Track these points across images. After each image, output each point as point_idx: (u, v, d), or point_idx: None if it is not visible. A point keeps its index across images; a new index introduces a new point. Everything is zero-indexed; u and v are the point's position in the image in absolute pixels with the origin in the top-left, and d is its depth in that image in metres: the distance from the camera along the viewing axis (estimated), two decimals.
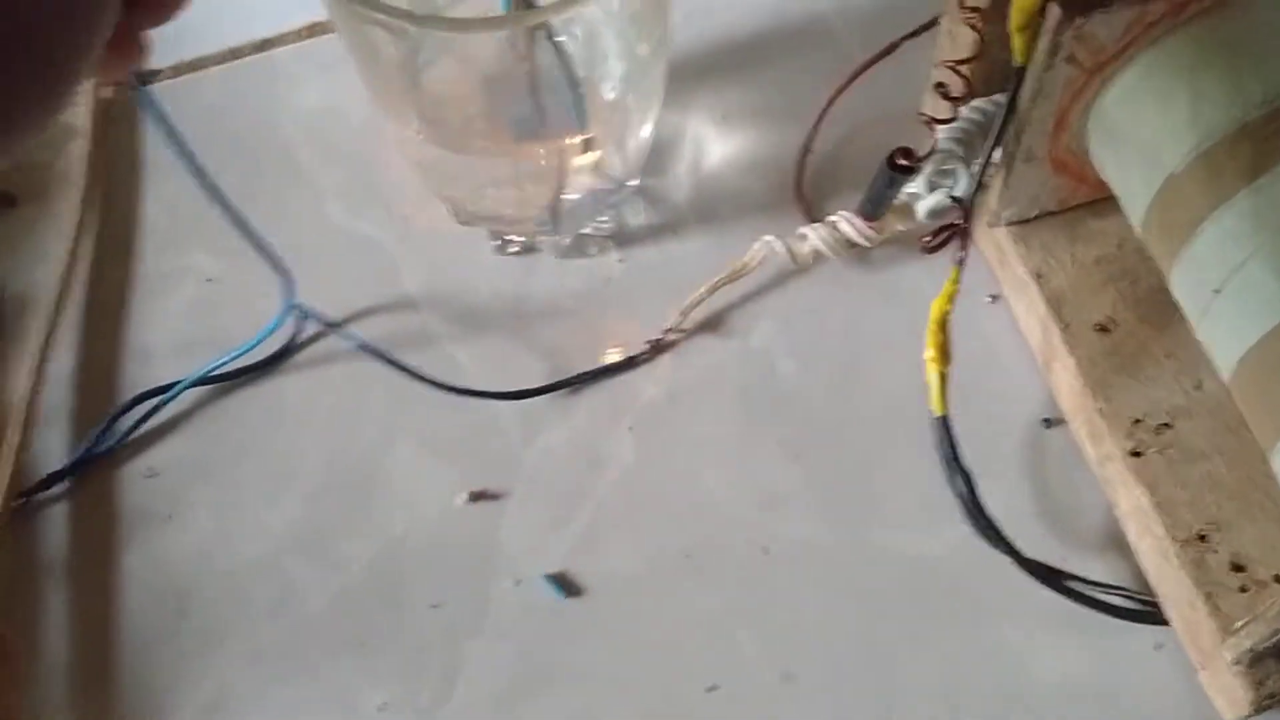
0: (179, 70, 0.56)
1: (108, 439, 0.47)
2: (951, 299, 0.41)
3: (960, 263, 0.41)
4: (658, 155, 0.52)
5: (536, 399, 0.47)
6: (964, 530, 0.41)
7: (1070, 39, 0.38)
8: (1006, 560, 0.41)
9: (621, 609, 0.43)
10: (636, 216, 0.51)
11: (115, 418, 0.47)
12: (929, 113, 0.40)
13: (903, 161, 0.41)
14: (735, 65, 0.54)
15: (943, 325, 0.41)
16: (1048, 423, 0.46)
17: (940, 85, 0.41)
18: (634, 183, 0.50)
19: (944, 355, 0.40)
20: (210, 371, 0.47)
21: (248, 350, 0.47)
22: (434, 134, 0.42)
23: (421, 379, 0.47)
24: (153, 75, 0.56)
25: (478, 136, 0.44)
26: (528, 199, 0.45)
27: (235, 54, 0.56)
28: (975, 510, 0.41)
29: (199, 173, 0.43)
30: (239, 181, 0.44)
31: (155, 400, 0.47)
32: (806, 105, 0.51)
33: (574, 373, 0.47)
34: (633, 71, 0.44)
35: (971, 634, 0.42)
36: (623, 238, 0.51)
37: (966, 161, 0.42)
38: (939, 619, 0.43)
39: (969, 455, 0.41)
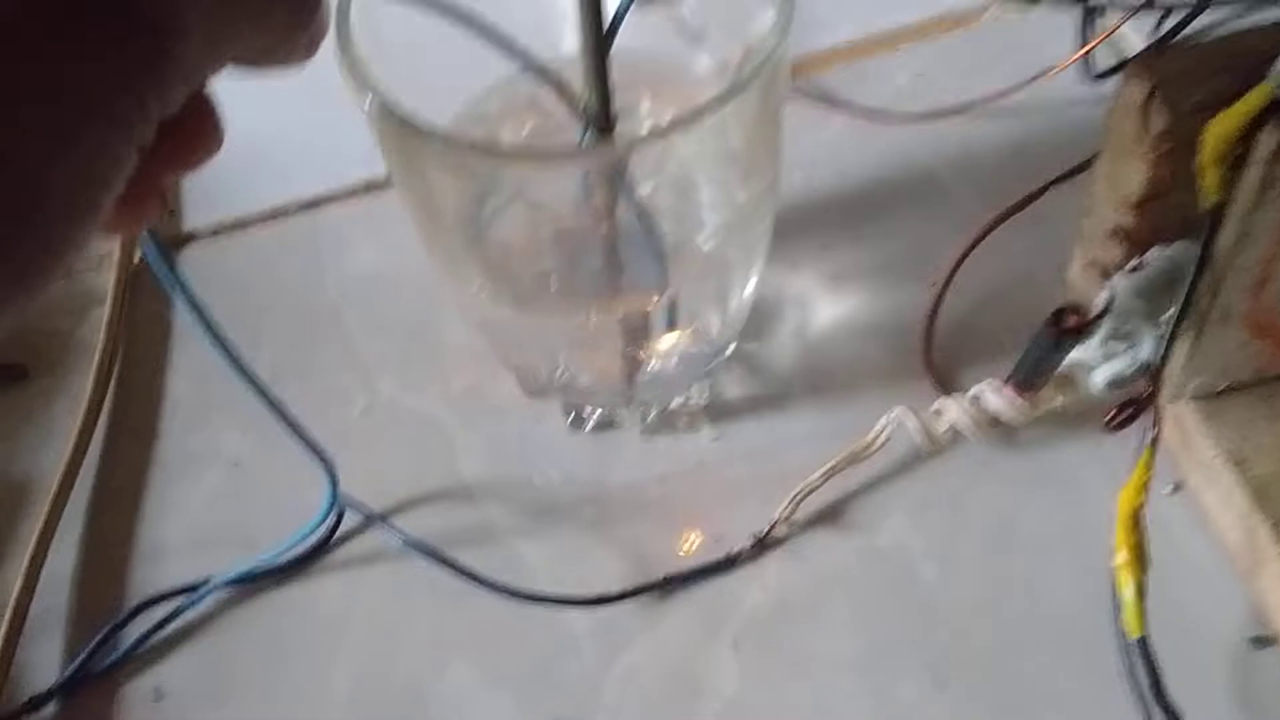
0: (218, 231, 0.50)
1: (105, 654, 0.39)
2: (1144, 489, 0.33)
3: (1153, 443, 0.33)
4: (758, 317, 0.45)
5: (617, 606, 0.39)
6: None
7: None
8: None
9: None
10: (734, 387, 0.43)
11: (114, 629, 0.39)
12: (1101, 260, 0.33)
13: (1072, 322, 0.34)
14: (844, 219, 0.48)
15: (1136, 523, 0.32)
16: (1258, 642, 0.37)
17: (1120, 230, 0.34)
18: (731, 348, 0.43)
19: (1140, 560, 0.32)
20: (236, 576, 0.40)
21: (285, 550, 0.40)
22: (500, 292, 0.36)
23: (480, 581, 0.39)
24: (188, 238, 0.50)
25: (549, 294, 0.37)
26: (606, 365, 0.38)
27: (279, 213, 0.51)
28: None
29: (222, 345, 0.36)
30: (279, 354, 0.38)
31: (170, 607, 0.39)
32: (929, 263, 0.44)
33: (661, 574, 0.39)
34: (732, 221, 0.38)
35: None
36: (718, 411, 0.43)
37: (1152, 320, 0.34)
38: None
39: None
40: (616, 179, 0.33)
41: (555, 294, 0.37)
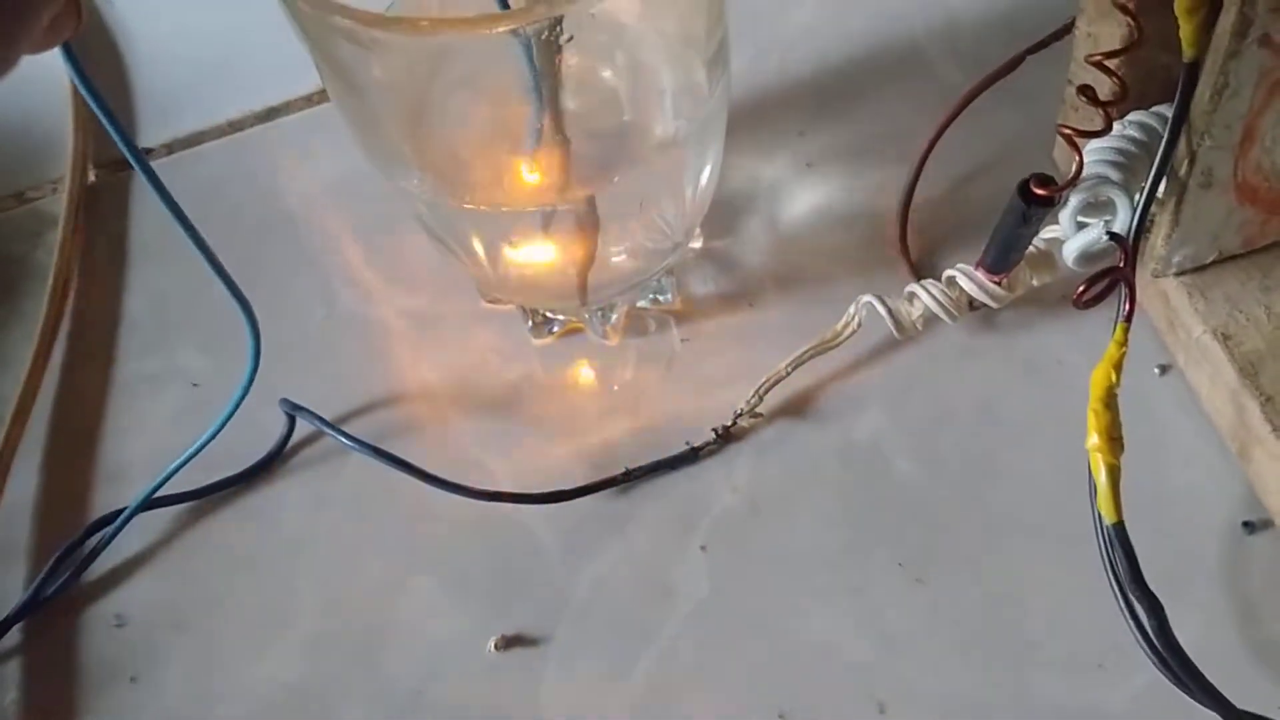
0: (172, 148, 0.49)
1: (56, 579, 0.38)
2: (1118, 367, 0.31)
3: (1127, 318, 0.31)
4: (727, 212, 0.43)
5: (579, 505, 0.37)
6: (1149, 675, 0.31)
7: (1265, 12, 0.28)
8: (1209, 715, 0.30)
9: None
10: (703, 285, 0.42)
11: (68, 551, 0.38)
12: (1071, 125, 0.31)
13: (1040, 191, 0.31)
14: (821, 102, 0.46)
15: (1109, 402, 0.30)
16: (1249, 526, 0.35)
17: (1086, 89, 0.32)
18: (697, 244, 0.41)
19: (1114, 443, 0.30)
20: (157, 491, 0.39)
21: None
22: (444, 187, 0.34)
23: (438, 482, 0.38)
24: (145, 154, 0.49)
25: (498, 187, 0.35)
26: (559, 263, 0.36)
27: (235, 126, 0.49)
28: (1166, 646, 0.30)
29: (204, 247, 0.34)
30: (238, 266, 0.36)
31: (106, 530, 0.38)
32: (905, 144, 0.42)
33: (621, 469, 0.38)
34: (686, 104, 0.36)
35: None
36: (685, 309, 0.41)
37: (1126, 189, 0.32)
38: None
39: (1150, 575, 0.30)
40: (554, 52, 0.31)
41: (504, 185, 0.35)
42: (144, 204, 0.47)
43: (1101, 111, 0.31)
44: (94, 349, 0.44)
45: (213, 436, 0.39)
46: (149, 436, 0.42)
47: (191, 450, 0.39)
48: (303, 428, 0.40)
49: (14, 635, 0.38)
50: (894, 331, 0.37)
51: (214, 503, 0.39)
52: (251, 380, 0.38)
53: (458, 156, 0.36)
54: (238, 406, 0.38)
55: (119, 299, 0.45)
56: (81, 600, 0.38)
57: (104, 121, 0.30)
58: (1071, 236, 0.34)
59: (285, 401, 0.40)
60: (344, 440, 0.39)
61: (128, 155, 0.31)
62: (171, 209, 0.33)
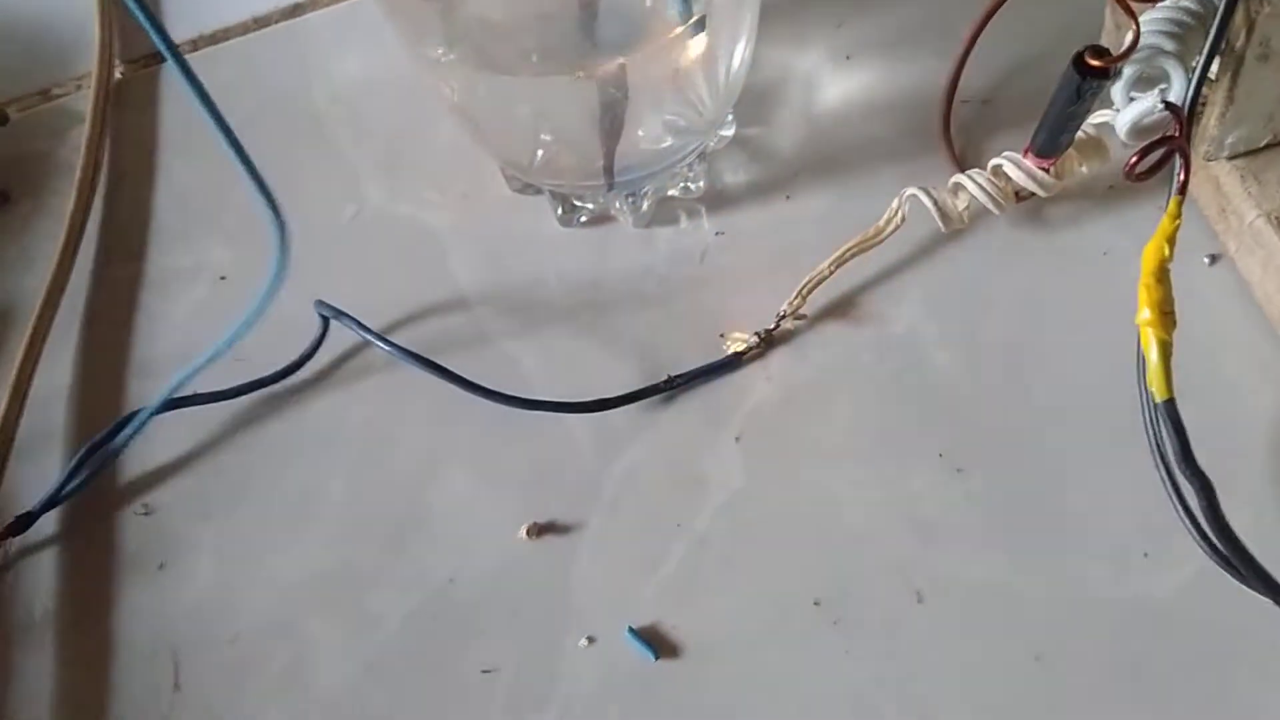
0: (197, 44, 0.48)
1: (81, 473, 0.38)
2: (1171, 240, 0.30)
3: (1181, 190, 0.30)
4: (762, 102, 0.42)
5: (616, 411, 0.37)
6: (1199, 561, 0.30)
7: None
8: (1263, 601, 0.29)
9: (729, 674, 0.33)
10: (736, 174, 0.41)
11: (95, 446, 0.38)
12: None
13: (1095, 62, 0.30)
14: None
15: (1161, 276, 0.29)
16: None
17: None
18: (729, 131, 0.40)
19: (1165, 317, 0.29)
20: (180, 389, 0.38)
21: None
22: (466, 54, 0.33)
23: (474, 387, 0.37)
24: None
25: (515, 52, 0.34)
26: (588, 137, 0.35)
27: (261, 21, 0.48)
28: (1217, 531, 0.29)
29: (232, 139, 0.34)
30: (265, 164, 0.35)
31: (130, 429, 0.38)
32: (946, 37, 0.41)
33: (662, 376, 0.37)
34: None
35: (1217, 707, 0.30)
36: (719, 201, 0.40)
37: (1181, 60, 0.31)
38: (1168, 686, 0.31)
39: (1200, 461, 0.29)
40: None
41: (533, 53, 0.34)
42: (171, 100, 0.47)
43: None
44: (123, 244, 0.43)
45: (237, 336, 0.38)
46: (179, 331, 0.41)
47: (213, 351, 0.38)
48: (336, 329, 0.40)
49: (47, 526, 0.38)
50: (940, 224, 0.36)
51: (245, 401, 0.39)
52: (278, 276, 0.37)
53: (485, 21, 0.35)
54: (265, 304, 0.38)
55: (147, 195, 0.44)
56: (111, 494, 0.38)
57: (136, 13, 0.29)
58: (1124, 108, 0.32)
59: (321, 303, 0.39)
60: (381, 345, 0.38)
61: (161, 47, 0.30)
62: (203, 100, 0.32)
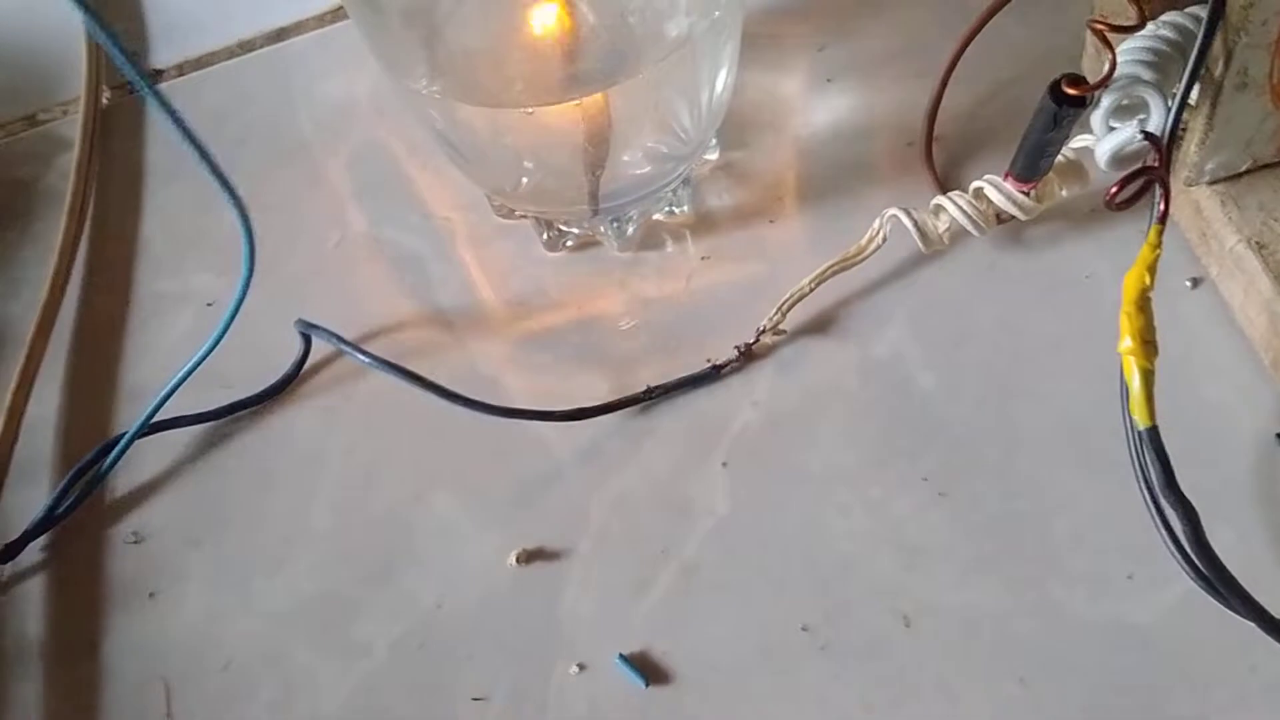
0: (183, 69, 0.48)
1: (69, 497, 0.38)
2: (1152, 269, 0.30)
3: (1161, 219, 0.30)
4: (745, 125, 0.42)
5: (600, 423, 0.37)
6: (1183, 585, 0.30)
7: None
8: (1247, 625, 0.30)
9: (719, 700, 0.33)
10: (720, 198, 0.41)
11: (79, 472, 0.38)
12: (1104, 20, 0.30)
13: (1072, 90, 0.31)
14: (837, 19, 0.45)
15: (1143, 305, 0.30)
16: None
17: None
18: (713, 156, 0.41)
19: (1147, 346, 0.29)
20: (160, 409, 0.38)
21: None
22: (450, 86, 0.33)
23: (453, 396, 0.37)
24: (154, 75, 0.48)
25: (499, 84, 0.34)
26: (572, 165, 0.35)
27: (246, 46, 0.48)
28: (1200, 553, 0.29)
29: (207, 159, 0.34)
30: (250, 189, 0.36)
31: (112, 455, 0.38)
32: (927, 60, 0.41)
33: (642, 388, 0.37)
34: (699, 5, 0.35)
35: None
36: (704, 225, 0.41)
37: (1159, 89, 0.31)
38: (1152, 709, 0.31)
39: (1181, 487, 0.30)
40: None
41: (516, 84, 0.35)
42: (159, 125, 0.47)
43: (1135, 6, 0.30)
44: (111, 270, 0.44)
45: (208, 353, 0.38)
46: (167, 356, 0.41)
47: (186, 369, 0.38)
48: (319, 351, 0.40)
49: (35, 553, 0.38)
50: (920, 245, 0.37)
51: (231, 423, 0.39)
52: (246, 289, 0.37)
53: (469, 54, 0.35)
54: (233, 318, 0.38)
55: (134, 221, 0.45)
56: (99, 519, 0.38)
57: (111, 50, 0.30)
58: (1103, 138, 0.33)
59: (301, 321, 0.39)
60: (360, 357, 0.38)
61: (137, 81, 0.30)
62: (178, 126, 0.32)
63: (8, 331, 0.42)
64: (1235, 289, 0.35)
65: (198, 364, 0.38)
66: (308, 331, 0.39)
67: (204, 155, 0.32)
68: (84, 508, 0.38)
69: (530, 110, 0.33)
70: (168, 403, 0.38)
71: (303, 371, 0.40)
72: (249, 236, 0.35)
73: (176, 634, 0.36)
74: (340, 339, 0.39)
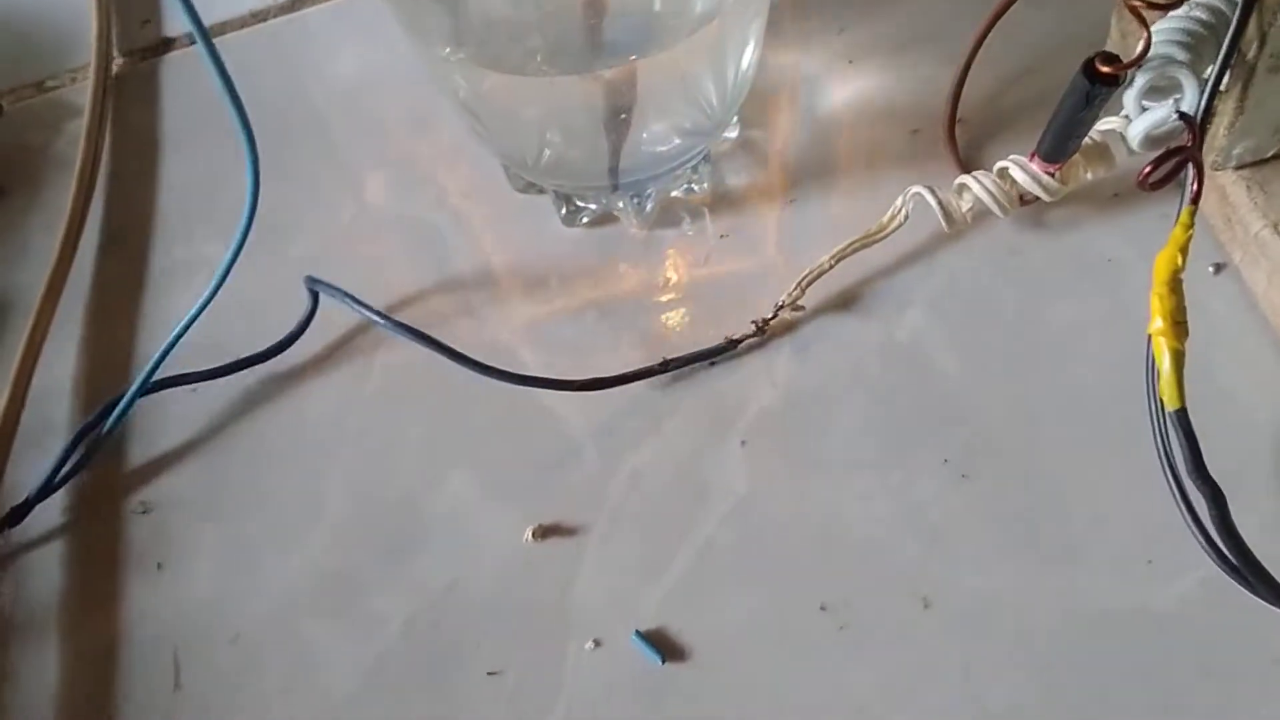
0: (194, 38, 0.47)
1: (75, 454, 0.37)
2: (1184, 250, 0.30)
3: (1194, 200, 0.30)
4: (765, 105, 0.42)
5: (615, 394, 0.37)
6: (1207, 570, 0.30)
7: None
8: (1266, 614, 0.30)
9: (735, 678, 0.33)
10: (739, 176, 0.40)
11: (82, 433, 0.37)
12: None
13: (1106, 69, 0.30)
14: (859, 1, 0.44)
15: (1174, 286, 0.29)
16: None
17: None
18: (733, 134, 0.40)
19: (1178, 327, 0.29)
20: (161, 364, 0.38)
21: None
22: (475, 53, 0.33)
23: (474, 364, 0.36)
24: (166, 45, 0.48)
25: (524, 52, 0.34)
26: (595, 141, 0.35)
27: (259, 16, 0.48)
28: (1227, 540, 0.29)
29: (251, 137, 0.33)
30: (263, 161, 0.35)
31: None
32: (949, 44, 0.41)
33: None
34: None
35: (1223, 716, 0.31)
36: (723, 203, 0.40)
37: (1193, 70, 0.31)
38: (1174, 698, 0.31)
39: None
40: None
41: (541, 52, 0.34)
42: (171, 94, 0.46)
43: None
44: (123, 238, 0.43)
45: (204, 306, 0.37)
46: (178, 324, 0.41)
47: (185, 322, 0.38)
48: (334, 325, 0.40)
49: (45, 523, 0.37)
50: (943, 224, 0.36)
51: (243, 394, 0.39)
52: (245, 232, 0.36)
53: (493, 19, 0.34)
54: (229, 270, 0.37)
55: (147, 188, 0.44)
56: (110, 491, 0.38)
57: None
58: (1137, 118, 0.33)
59: (309, 278, 0.39)
60: (371, 315, 0.38)
61: (196, 34, 0.30)
62: (226, 85, 0.32)
63: (17, 299, 0.41)
64: (1259, 275, 0.35)
65: (194, 318, 0.38)
66: (315, 288, 0.39)
67: (239, 108, 0.32)
68: (94, 477, 0.38)
69: (554, 80, 0.32)
70: (176, 368, 0.38)
71: (319, 347, 0.39)
72: (255, 177, 0.35)
73: (186, 604, 0.35)
74: (348, 295, 0.38)
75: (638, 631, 0.33)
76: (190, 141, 0.45)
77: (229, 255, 0.37)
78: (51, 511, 0.37)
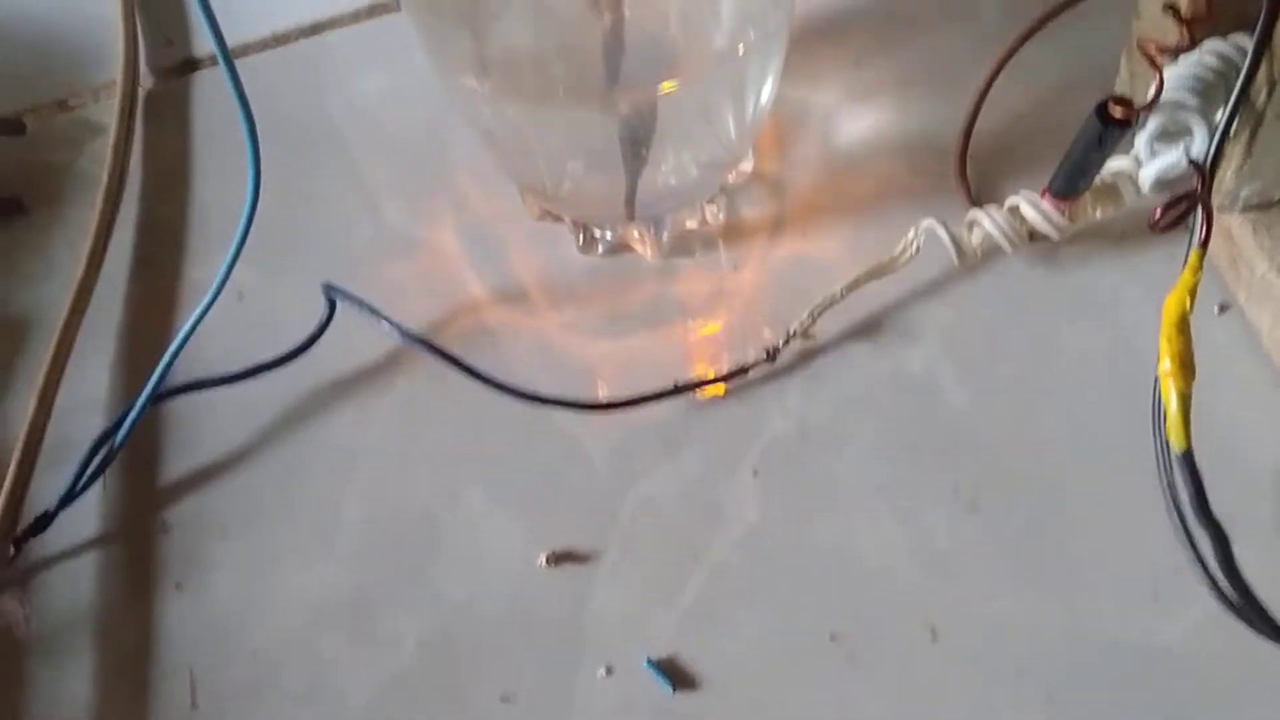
0: (217, 60, 0.48)
1: (94, 462, 0.38)
2: (1193, 293, 0.30)
3: (1203, 244, 0.31)
4: (780, 138, 0.42)
5: (627, 419, 0.37)
6: (1208, 607, 0.30)
7: None
8: (1265, 651, 0.30)
9: (745, 707, 0.33)
10: (753, 208, 0.41)
11: (96, 447, 0.38)
12: (1155, 43, 0.30)
13: (1118, 111, 0.31)
14: (874, 37, 0.45)
15: (1183, 328, 0.30)
16: None
17: (1171, 5, 0.31)
18: (748, 166, 0.41)
19: (1186, 369, 0.30)
20: (161, 382, 0.38)
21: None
22: (501, 83, 0.34)
23: (489, 381, 0.37)
24: (189, 66, 0.48)
25: (548, 83, 0.35)
26: (614, 171, 0.35)
27: (281, 39, 0.49)
28: (1229, 578, 0.30)
29: (255, 146, 0.34)
30: (282, 183, 0.36)
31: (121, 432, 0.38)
32: (963, 80, 0.42)
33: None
34: (750, 10, 0.35)
35: None
36: (736, 235, 0.41)
37: (1204, 116, 0.32)
38: None
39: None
40: None
41: (565, 84, 0.35)
42: (200, 114, 0.47)
43: (1185, 29, 0.31)
44: (150, 257, 0.44)
45: (205, 309, 0.38)
46: (197, 346, 0.41)
47: (188, 327, 0.38)
48: (355, 348, 0.40)
49: (64, 541, 0.38)
50: (954, 258, 0.37)
51: (264, 411, 0.39)
52: (242, 243, 0.37)
53: (515, 50, 0.35)
54: (229, 271, 0.38)
55: (172, 207, 0.44)
56: (129, 506, 0.38)
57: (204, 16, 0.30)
58: (1148, 161, 0.33)
59: (326, 285, 0.39)
60: (386, 323, 0.38)
61: (216, 50, 0.31)
62: (239, 98, 0.33)
63: (41, 316, 0.42)
64: (1264, 315, 0.36)
65: (194, 327, 0.38)
66: (333, 295, 0.39)
67: (249, 121, 0.33)
68: (116, 494, 0.38)
69: (575, 110, 0.33)
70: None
71: (339, 366, 0.40)
72: (255, 182, 0.35)
73: (203, 623, 0.36)
74: (364, 303, 0.38)
75: (649, 659, 0.34)
76: (218, 162, 0.45)
77: (229, 257, 0.37)
78: (73, 527, 0.38)
